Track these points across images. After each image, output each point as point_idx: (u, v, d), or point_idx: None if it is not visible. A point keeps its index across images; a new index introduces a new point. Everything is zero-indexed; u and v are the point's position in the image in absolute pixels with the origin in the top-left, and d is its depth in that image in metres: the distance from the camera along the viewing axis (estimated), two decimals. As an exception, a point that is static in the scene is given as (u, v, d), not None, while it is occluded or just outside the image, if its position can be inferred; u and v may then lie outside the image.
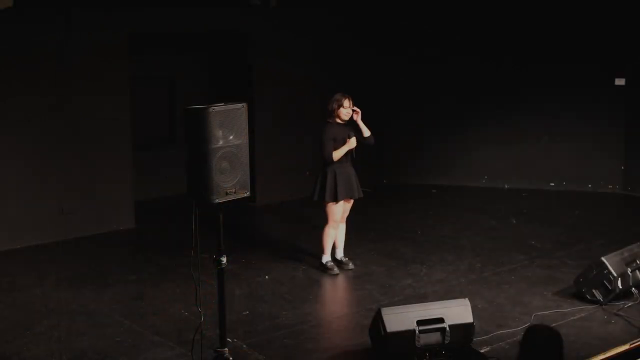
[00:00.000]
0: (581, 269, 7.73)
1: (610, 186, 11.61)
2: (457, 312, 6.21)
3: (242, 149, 5.74)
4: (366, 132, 8.17)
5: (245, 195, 5.84)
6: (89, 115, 9.61)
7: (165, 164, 11.44)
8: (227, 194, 5.67)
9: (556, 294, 7.69)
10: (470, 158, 12.04)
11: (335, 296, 8.11)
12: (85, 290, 7.91)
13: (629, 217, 10.42)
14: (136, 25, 9.85)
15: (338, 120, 8.07)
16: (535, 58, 11.56)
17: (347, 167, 8.12)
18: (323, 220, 8.28)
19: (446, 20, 11.85)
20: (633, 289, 7.42)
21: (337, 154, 7.99)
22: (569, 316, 7.15)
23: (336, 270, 8.32)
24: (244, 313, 7.31)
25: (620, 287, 7.25)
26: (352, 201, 8.31)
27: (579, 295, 7.48)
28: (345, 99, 8.03)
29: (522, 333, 4.26)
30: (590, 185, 11.68)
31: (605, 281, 7.26)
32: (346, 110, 8.03)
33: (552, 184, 11.79)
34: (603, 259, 7.31)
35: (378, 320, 6.16)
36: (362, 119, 8.22)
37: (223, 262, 5.80)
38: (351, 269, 8.42)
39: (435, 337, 6.15)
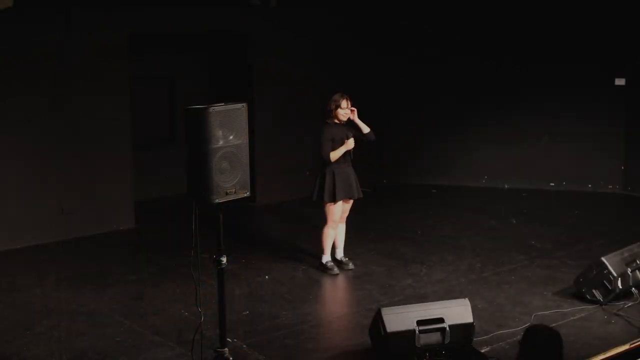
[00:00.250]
0: (581, 269, 7.73)
1: (610, 186, 11.61)
2: (457, 312, 6.21)
3: (242, 149, 5.74)
4: (365, 129, 8.17)
5: (245, 195, 5.84)
6: (89, 115, 9.61)
7: (165, 164, 11.45)
8: (227, 194, 5.67)
9: (556, 294, 7.69)
10: (470, 158, 12.04)
11: (335, 296, 8.11)
12: (85, 290, 7.91)
13: (629, 217, 10.42)
14: (136, 25, 9.85)
15: (336, 121, 8.07)
16: (535, 58, 11.56)
17: (346, 168, 8.12)
18: (322, 220, 8.28)
19: (446, 20, 11.85)
20: (633, 289, 7.42)
21: (335, 155, 7.99)
22: (569, 316, 7.15)
23: (336, 270, 8.32)
24: (244, 313, 7.31)
25: (620, 287, 7.25)
26: (351, 201, 8.31)
27: (579, 295, 7.48)
28: (343, 99, 8.04)
29: (522, 333, 4.26)
30: (590, 185, 11.68)
31: (605, 281, 7.26)
32: (344, 111, 8.03)
33: (552, 184, 11.80)
34: (603, 259, 7.31)
35: (378, 320, 6.16)
36: (362, 118, 8.22)
37: (223, 262, 5.80)
38: (351, 269, 8.42)
39: (435, 337, 6.15)
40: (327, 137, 8.01)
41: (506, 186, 11.91)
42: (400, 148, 12.26)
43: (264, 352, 6.52)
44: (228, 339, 6.16)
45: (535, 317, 7.08)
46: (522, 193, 11.61)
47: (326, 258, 8.38)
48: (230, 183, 5.68)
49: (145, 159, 11.15)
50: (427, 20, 11.90)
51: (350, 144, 8.02)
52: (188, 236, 5.80)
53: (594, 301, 7.34)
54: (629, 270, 7.36)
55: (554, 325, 6.56)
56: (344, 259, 8.49)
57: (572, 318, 7.12)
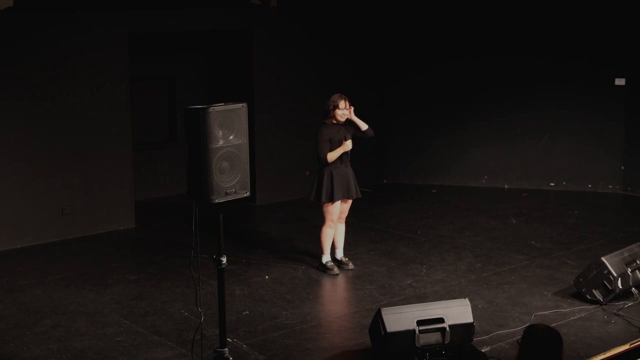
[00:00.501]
0: (581, 269, 7.74)
1: (610, 186, 11.61)
2: (457, 312, 6.22)
3: (242, 149, 5.74)
4: (363, 126, 8.17)
5: (245, 195, 5.84)
6: (89, 115, 9.61)
7: (165, 164, 11.46)
8: (227, 194, 5.67)
9: (556, 294, 7.69)
10: (470, 158, 12.04)
11: (335, 296, 8.11)
12: (85, 290, 7.91)
13: (629, 217, 10.42)
14: (136, 25, 9.85)
15: (334, 121, 8.08)
16: (535, 58, 11.57)
17: (344, 168, 8.12)
18: (321, 220, 8.29)
19: (446, 20, 11.85)
20: (633, 289, 7.43)
21: (332, 156, 8.00)
22: (569, 316, 7.16)
23: (336, 270, 8.33)
24: (244, 313, 7.32)
25: (620, 287, 7.25)
26: (350, 201, 8.31)
27: (579, 295, 7.48)
28: (341, 100, 8.04)
29: (522, 333, 4.27)
30: (590, 185, 11.68)
31: (605, 281, 7.26)
32: (342, 112, 8.04)
33: (552, 184, 11.80)
34: (603, 259, 7.32)
35: (378, 320, 6.16)
36: (362, 119, 8.22)
37: (223, 262, 5.80)
38: (351, 269, 8.42)
39: (435, 337, 6.15)
40: (325, 138, 8.02)
41: (506, 186, 11.92)
42: (400, 148, 12.26)
43: (264, 352, 6.52)
44: (228, 339, 6.16)
45: (535, 317, 7.08)
46: (522, 193, 11.61)
47: (326, 258, 8.38)
48: (230, 183, 5.69)
49: (145, 159, 11.17)
50: (427, 20, 11.90)
51: (347, 145, 8.02)
52: (188, 236, 5.80)
53: (594, 301, 7.35)
54: (629, 270, 7.37)
55: (554, 325, 6.57)
56: (343, 259, 8.50)
57: (572, 318, 7.12)
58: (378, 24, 11.82)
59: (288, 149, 11.20)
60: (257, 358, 6.43)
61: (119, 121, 9.84)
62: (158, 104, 11.65)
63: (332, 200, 8.08)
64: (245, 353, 6.49)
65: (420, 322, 6.12)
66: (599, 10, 11.30)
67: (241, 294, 7.80)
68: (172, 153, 11.40)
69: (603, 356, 5.60)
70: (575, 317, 7.14)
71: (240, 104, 5.75)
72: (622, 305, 7.27)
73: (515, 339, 6.54)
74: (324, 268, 8.36)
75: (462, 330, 6.19)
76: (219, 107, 5.61)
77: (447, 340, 6.13)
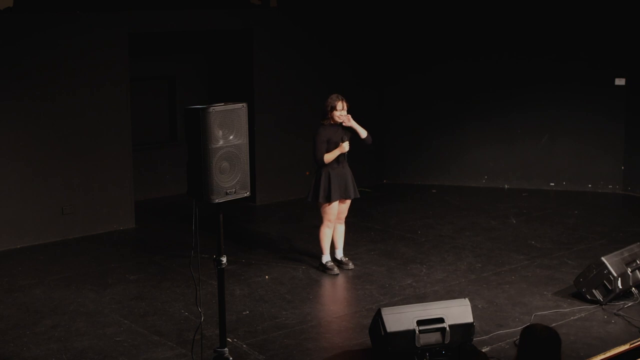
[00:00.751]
0: (581, 269, 7.74)
1: (610, 186, 11.61)
2: (457, 312, 6.22)
3: (242, 149, 5.74)
4: (362, 134, 8.16)
5: (245, 195, 5.84)
6: (89, 115, 9.61)
7: (165, 164, 11.46)
8: (227, 194, 5.67)
9: (556, 294, 7.69)
10: (470, 158, 12.04)
11: (335, 296, 8.11)
12: (85, 290, 7.91)
13: (629, 217, 10.42)
14: (136, 25, 9.85)
15: (332, 122, 8.08)
16: (535, 58, 11.57)
17: (342, 169, 8.12)
18: (320, 220, 8.29)
19: (446, 20, 11.84)
20: (633, 289, 7.43)
21: (329, 157, 8.00)
22: (568, 316, 7.16)
23: (336, 270, 8.33)
24: (244, 313, 7.32)
25: (620, 287, 7.25)
26: (348, 202, 8.31)
27: (579, 295, 7.48)
28: (339, 101, 8.03)
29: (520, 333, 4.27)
30: (590, 185, 11.68)
31: (605, 281, 7.26)
32: (339, 113, 8.04)
33: (552, 184, 11.80)
34: (603, 259, 7.32)
35: (378, 320, 6.16)
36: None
37: (223, 262, 5.80)
38: (351, 269, 8.42)
39: (435, 337, 6.15)
40: (322, 139, 8.02)
41: (506, 186, 11.92)
42: (400, 148, 12.26)
43: (264, 352, 6.52)
44: (228, 339, 6.16)
45: (535, 317, 7.08)
46: (522, 193, 11.61)
47: (326, 258, 8.39)
48: (230, 183, 5.69)
49: (145, 159, 11.17)
50: (426, 20, 11.90)
51: (344, 147, 8.02)
52: (188, 236, 5.80)
53: (594, 301, 7.35)
54: (629, 270, 7.37)
55: (554, 325, 6.57)
56: (343, 259, 8.50)
57: (572, 318, 7.12)
58: (378, 24, 11.82)
59: (288, 149, 11.20)
60: (257, 358, 6.43)
61: (119, 121, 9.84)
62: (158, 104, 11.65)
63: (329, 200, 8.09)
64: (245, 353, 6.50)
65: (420, 322, 6.12)
66: (599, 10, 11.30)
67: (241, 294, 7.80)
68: (172, 153, 11.40)
69: (603, 356, 5.60)
70: (575, 317, 7.14)
71: (240, 104, 5.75)
72: (622, 305, 7.27)
73: (514, 339, 6.54)
74: (324, 268, 8.36)
75: (462, 330, 6.20)
76: (219, 107, 5.61)
77: (447, 340, 6.13)
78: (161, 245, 9.34)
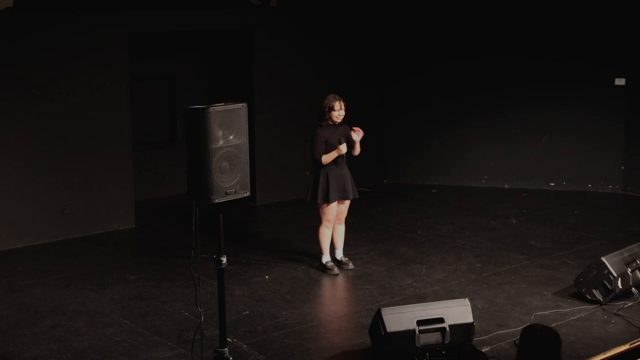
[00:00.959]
0: (581, 269, 7.74)
1: (610, 186, 11.61)
2: (457, 312, 6.22)
3: (242, 149, 5.74)
4: (356, 152, 8.18)
5: (245, 195, 5.84)
6: (89, 115, 9.61)
7: (165, 164, 11.46)
8: (227, 194, 5.67)
9: (556, 294, 7.69)
10: (470, 158, 12.04)
11: (335, 296, 8.11)
12: (85, 290, 7.91)
13: (629, 217, 10.42)
14: (136, 25, 9.85)
15: (330, 122, 8.08)
16: (535, 58, 11.56)
17: (339, 170, 8.13)
18: (319, 220, 8.30)
19: (446, 20, 11.84)
20: (633, 289, 7.43)
21: (327, 159, 8.01)
22: (569, 316, 7.16)
23: (336, 270, 8.33)
24: (244, 313, 7.32)
25: (620, 287, 7.25)
26: (347, 202, 8.32)
27: (579, 295, 7.48)
28: (336, 101, 8.05)
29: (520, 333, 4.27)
30: (590, 185, 11.68)
31: (605, 281, 7.26)
32: (337, 113, 8.05)
33: (552, 184, 11.80)
34: (603, 259, 7.32)
35: (378, 320, 6.16)
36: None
37: (223, 262, 5.80)
38: (351, 269, 8.42)
39: (435, 337, 6.15)
40: (321, 140, 8.03)
41: (506, 186, 11.92)
42: (400, 148, 12.26)
43: (264, 352, 6.52)
44: (228, 339, 6.16)
45: (535, 317, 7.08)
46: (522, 193, 11.61)
47: (326, 258, 8.39)
48: (230, 183, 5.69)
49: (145, 159, 11.17)
50: (426, 20, 11.90)
51: (342, 149, 8.02)
52: (188, 236, 5.79)
53: (594, 301, 7.34)
54: (629, 270, 7.37)
55: (554, 325, 6.57)
56: (343, 259, 8.50)
57: (572, 318, 7.12)
58: (378, 24, 11.82)
59: (288, 149, 11.19)
60: (257, 358, 6.43)
61: (119, 121, 9.83)
62: (158, 104, 11.65)
63: (327, 201, 8.10)
64: (245, 353, 6.49)
65: (420, 322, 6.12)
66: (599, 10, 11.30)
67: (241, 294, 7.80)
68: (172, 153, 11.40)
69: (603, 356, 5.60)
70: (575, 317, 7.14)
71: (240, 104, 5.75)
72: (622, 305, 7.27)
73: (514, 339, 6.54)
74: (324, 268, 8.36)
75: (462, 330, 6.19)
76: (219, 107, 5.61)
77: (447, 340, 6.13)
78: (161, 245, 9.34)
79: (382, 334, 6.10)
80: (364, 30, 11.69)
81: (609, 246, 8.75)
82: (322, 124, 8.10)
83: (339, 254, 8.51)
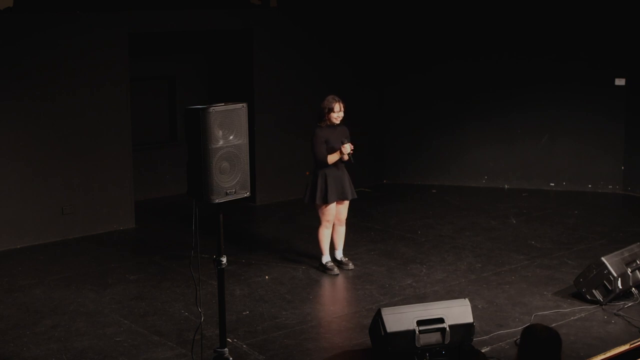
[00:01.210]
0: (581, 269, 7.74)
1: (610, 186, 11.61)
2: (457, 312, 6.21)
3: (242, 149, 5.74)
4: (345, 159, 8.11)
5: (245, 195, 5.84)
6: (89, 115, 9.61)
7: (165, 164, 11.46)
8: (227, 194, 5.67)
9: (556, 294, 7.69)
10: (470, 158, 12.04)
11: (335, 296, 8.11)
12: (85, 290, 7.91)
13: (629, 217, 10.42)
14: (136, 25, 9.85)
15: (328, 123, 8.09)
16: (535, 58, 11.56)
17: (337, 171, 8.13)
18: (318, 221, 8.30)
19: (446, 20, 11.84)
20: (633, 289, 7.43)
21: (332, 159, 8.02)
22: (569, 316, 7.16)
23: (336, 270, 8.33)
24: (244, 313, 7.32)
25: (620, 287, 7.25)
26: (346, 203, 8.32)
27: (579, 295, 7.48)
28: (336, 103, 8.05)
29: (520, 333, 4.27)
30: (590, 185, 11.68)
31: (605, 281, 7.26)
32: (336, 115, 8.06)
33: (552, 184, 11.80)
34: (603, 259, 7.32)
35: (378, 320, 6.16)
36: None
37: (223, 262, 5.80)
38: (351, 269, 8.42)
39: (435, 337, 6.15)
40: (321, 140, 8.03)
41: (506, 186, 11.92)
42: (400, 148, 12.26)
43: (264, 352, 6.52)
44: (228, 339, 6.16)
45: (535, 317, 7.08)
46: (522, 193, 11.61)
47: (326, 258, 8.39)
48: (230, 183, 5.68)
49: (145, 159, 11.16)
50: (426, 20, 11.90)
51: (345, 149, 8.01)
52: (188, 236, 5.79)
53: (594, 301, 7.34)
54: (629, 270, 7.36)
55: (554, 325, 6.57)
56: (343, 259, 8.50)
57: (572, 318, 7.12)
58: (378, 24, 11.82)
59: (288, 149, 11.19)
60: (257, 358, 6.43)
61: (119, 121, 9.83)
62: (158, 104, 11.65)
63: (326, 202, 8.10)
64: (245, 353, 6.49)
65: (420, 322, 6.12)
66: (599, 10, 11.30)
67: (241, 294, 7.80)
68: (172, 153, 11.40)
69: (603, 356, 5.60)
70: (575, 317, 7.14)
71: (240, 104, 5.75)
72: (622, 305, 7.27)
73: (515, 339, 6.54)
74: (324, 268, 8.36)
75: (462, 330, 6.19)
76: (219, 107, 5.61)
77: (447, 341, 6.13)
78: (161, 245, 9.34)
79: (382, 334, 6.10)
80: (364, 30, 11.69)
81: (609, 246, 8.75)
82: (320, 125, 8.11)
83: (339, 255, 8.51)
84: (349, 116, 8.35)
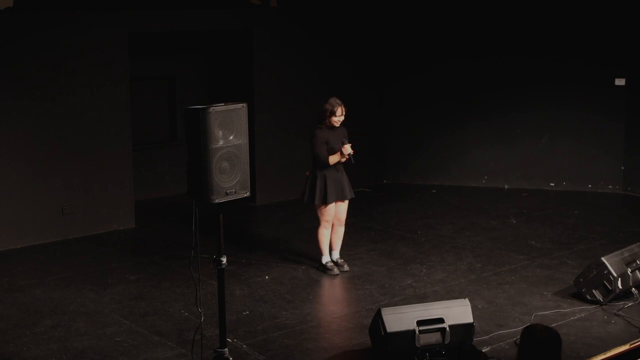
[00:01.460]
0: (581, 269, 7.74)
1: (610, 186, 11.61)
2: (457, 312, 6.21)
3: (242, 149, 5.74)
4: (342, 160, 8.11)
5: (245, 195, 5.84)
6: (89, 115, 9.61)
7: (165, 164, 11.46)
8: (227, 194, 5.67)
9: (556, 294, 7.69)
10: (470, 158, 12.04)
11: (335, 296, 8.11)
12: (85, 290, 7.91)
13: (629, 217, 10.42)
14: (136, 25, 9.85)
15: (328, 125, 8.09)
16: (535, 58, 11.57)
17: (336, 172, 8.14)
18: (317, 221, 8.30)
19: (446, 20, 11.84)
20: (633, 289, 7.43)
21: (333, 159, 8.02)
22: (569, 316, 7.16)
23: (336, 270, 8.33)
24: (244, 313, 7.32)
25: (620, 287, 7.25)
26: (346, 202, 8.32)
27: (579, 295, 7.48)
28: (338, 106, 8.04)
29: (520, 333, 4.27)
30: (590, 185, 11.68)
31: (605, 281, 7.26)
32: (337, 118, 8.07)
33: (552, 184, 11.80)
34: (603, 259, 7.32)
35: (378, 320, 6.16)
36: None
37: (223, 262, 5.80)
38: (346, 271, 8.41)
39: (435, 337, 6.15)
40: (321, 141, 8.04)
41: (506, 186, 11.92)
42: (400, 148, 12.26)
43: (264, 352, 6.52)
44: (228, 339, 6.16)
45: (535, 317, 7.08)
46: (522, 193, 11.61)
47: (325, 258, 8.39)
48: (230, 183, 5.68)
49: (145, 159, 11.16)
50: (426, 20, 11.90)
51: (347, 149, 8.01)
52: (188, 236, 5.79)
53: (594, 301, 7.34)
54: (629, 270, 7.37)
55: (554, 325, 6.57)
56: (339, 260, 8.49)
57: (572, 318, 7.12)
58: (378, 24, 11.82)
59: (288, 149, 11.19)
60: (257, 358, 6.43)
61: (119, 121, 9.83)
62: (158, 104, 11.64)
63: (325, 202, 8.10)
64: (245, 353, 6.49)
65: (420, 322, 6.12)
66: (599, 10, 11.30)
67: (241, 294, 7.80)
68: (172, 153, 11.39)
69: (603, 356, 5.60)
70: (575, 317, 7.14)
71: (240, 104, 5.75)
72: (622, 305, 7.27)
73: (514, 339, 6.54)
74: (324, 268, 8.36)
75: (462, 331, 6.19)
76: (219, 107, 5.61)
77: (447, 341, 6.13)
78: (161, 245, 9.34)
79: (382, 334, 6.10)
80: (364, 30, 11.69)
81: (609, 246, 8.75)
82: (320, 126, 8.11)
83: (335, 255, 8.50)
84: (349, 116, 8.34)
